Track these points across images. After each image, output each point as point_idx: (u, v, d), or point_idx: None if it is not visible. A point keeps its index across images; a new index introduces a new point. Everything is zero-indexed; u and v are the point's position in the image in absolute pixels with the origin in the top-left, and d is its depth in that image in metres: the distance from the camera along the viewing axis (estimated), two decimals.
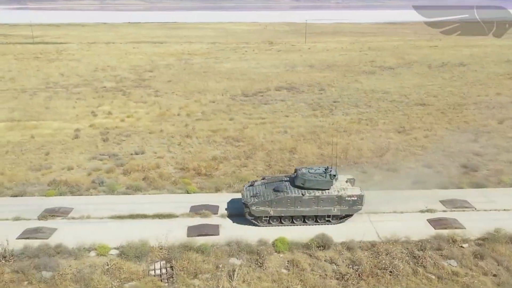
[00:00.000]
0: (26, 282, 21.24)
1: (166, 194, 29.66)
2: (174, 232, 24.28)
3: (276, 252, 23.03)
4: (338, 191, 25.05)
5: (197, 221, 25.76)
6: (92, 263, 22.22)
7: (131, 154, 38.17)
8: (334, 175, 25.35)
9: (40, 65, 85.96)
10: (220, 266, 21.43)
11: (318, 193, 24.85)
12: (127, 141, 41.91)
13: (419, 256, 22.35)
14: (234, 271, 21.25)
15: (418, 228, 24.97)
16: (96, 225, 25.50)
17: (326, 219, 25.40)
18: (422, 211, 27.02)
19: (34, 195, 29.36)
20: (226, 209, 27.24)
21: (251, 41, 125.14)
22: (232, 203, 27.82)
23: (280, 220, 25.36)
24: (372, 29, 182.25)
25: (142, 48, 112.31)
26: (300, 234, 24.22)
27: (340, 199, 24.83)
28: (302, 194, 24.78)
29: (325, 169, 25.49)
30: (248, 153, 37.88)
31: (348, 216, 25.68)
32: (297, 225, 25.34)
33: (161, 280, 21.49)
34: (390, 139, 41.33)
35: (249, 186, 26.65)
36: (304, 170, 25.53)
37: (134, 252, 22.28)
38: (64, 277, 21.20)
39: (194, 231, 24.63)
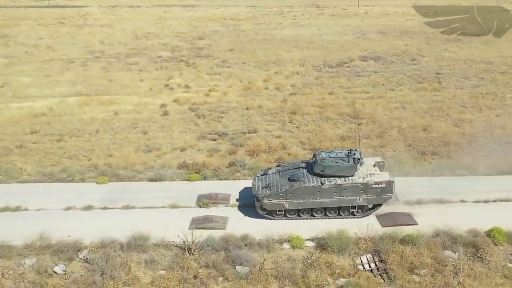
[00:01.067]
0: (221, 278, 21.03)
1: None
2: (366, 222, 23.95)
3: (494, 244, 22.67)
4: (364, 178, 23.75)
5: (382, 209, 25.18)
6: (289, 257, 21.99)
7: (243, 133, 37.77)
8: (359, 159, 23.88)
9: (71, 32, 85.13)
10: (450, 259, 21.10)
11: (340, 180, 23.56)
12: (226, 118, 41.48)
13: None
14: (458, 265, 20.93)
15: None
16: None
17: (351, 210, 24.39)
18: None
19: (174, 180, 29.05)
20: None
21: (294, 5, 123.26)
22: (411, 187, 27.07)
23: (297, 213, 24.48)
24: None
25: (174, 12, 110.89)
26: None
27: (366, 187, 23.54)
28: (321, 183, 23.50)
29: (348, 153, 24.10)
30: (378, 132, 37.34)
31: (377, 206, 24.55)
32: (317, 218, 24.49)
33: (375, 276, 21.24)
34: None
35: (261, 175, 25.58)
36: (323, 155, 24.14)
37: (339, 245, 21.96)
38: (264, 273, 20.93)
39: (388, 221, 24.26)
